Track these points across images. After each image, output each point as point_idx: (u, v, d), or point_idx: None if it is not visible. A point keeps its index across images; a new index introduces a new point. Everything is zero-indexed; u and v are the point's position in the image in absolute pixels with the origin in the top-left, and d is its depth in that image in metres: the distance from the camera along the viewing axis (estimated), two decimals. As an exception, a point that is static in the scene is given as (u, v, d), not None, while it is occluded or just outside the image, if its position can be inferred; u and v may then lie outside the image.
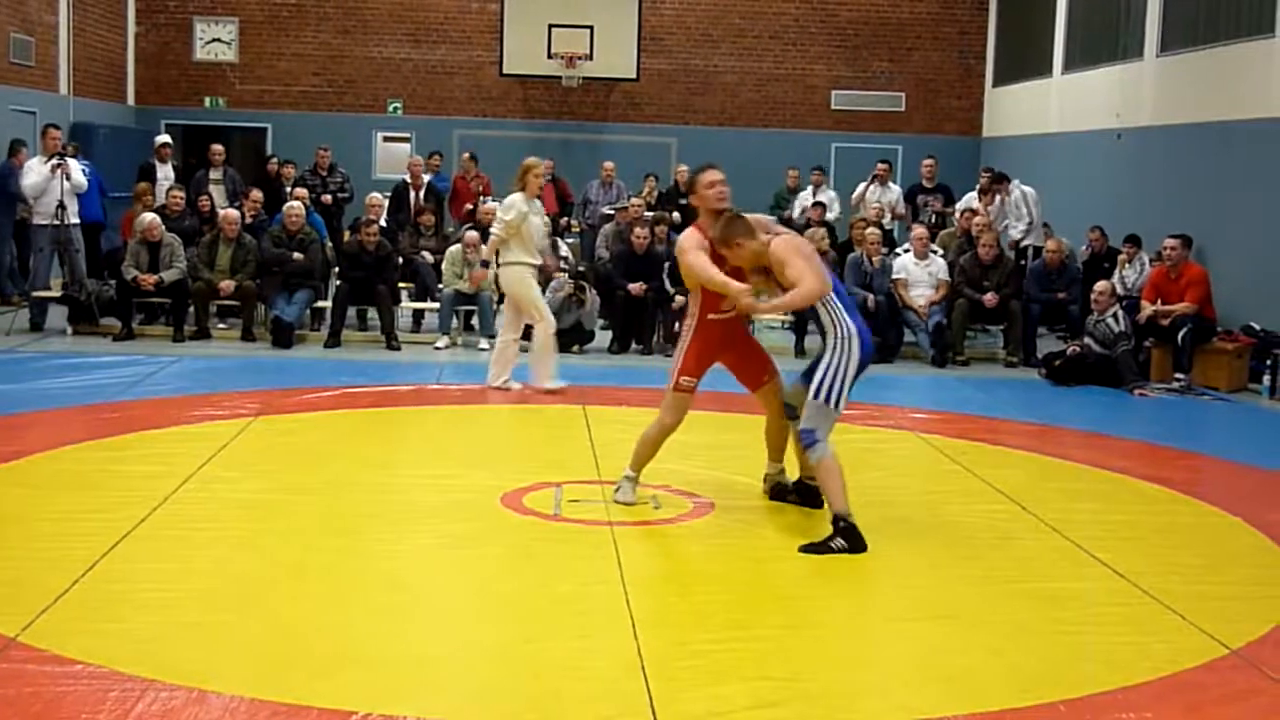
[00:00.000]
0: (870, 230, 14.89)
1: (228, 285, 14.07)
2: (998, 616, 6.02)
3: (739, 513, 7.58)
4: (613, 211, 17.17)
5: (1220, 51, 15.46)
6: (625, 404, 10.86)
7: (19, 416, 9.72)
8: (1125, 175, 17.60)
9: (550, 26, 21.40)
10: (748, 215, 7.47)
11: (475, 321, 14.67)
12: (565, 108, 22.81)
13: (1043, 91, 20.84)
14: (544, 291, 15.46)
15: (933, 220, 17.22)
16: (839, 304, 7.21)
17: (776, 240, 7.30)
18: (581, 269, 15.34)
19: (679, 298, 14.05)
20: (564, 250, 16.68)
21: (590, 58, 21.50)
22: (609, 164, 19.17)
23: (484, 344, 14.10)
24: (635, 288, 14.08)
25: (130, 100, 22.41)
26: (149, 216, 14.23)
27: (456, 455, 8.96)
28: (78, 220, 14.52)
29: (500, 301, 12.71)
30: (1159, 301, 13.34)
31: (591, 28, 21.45)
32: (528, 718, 4.80)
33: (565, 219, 18.95)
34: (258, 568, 6.39)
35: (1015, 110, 22.07)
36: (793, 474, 7.89)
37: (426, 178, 17.48)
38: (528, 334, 11.78)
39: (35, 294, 14.58)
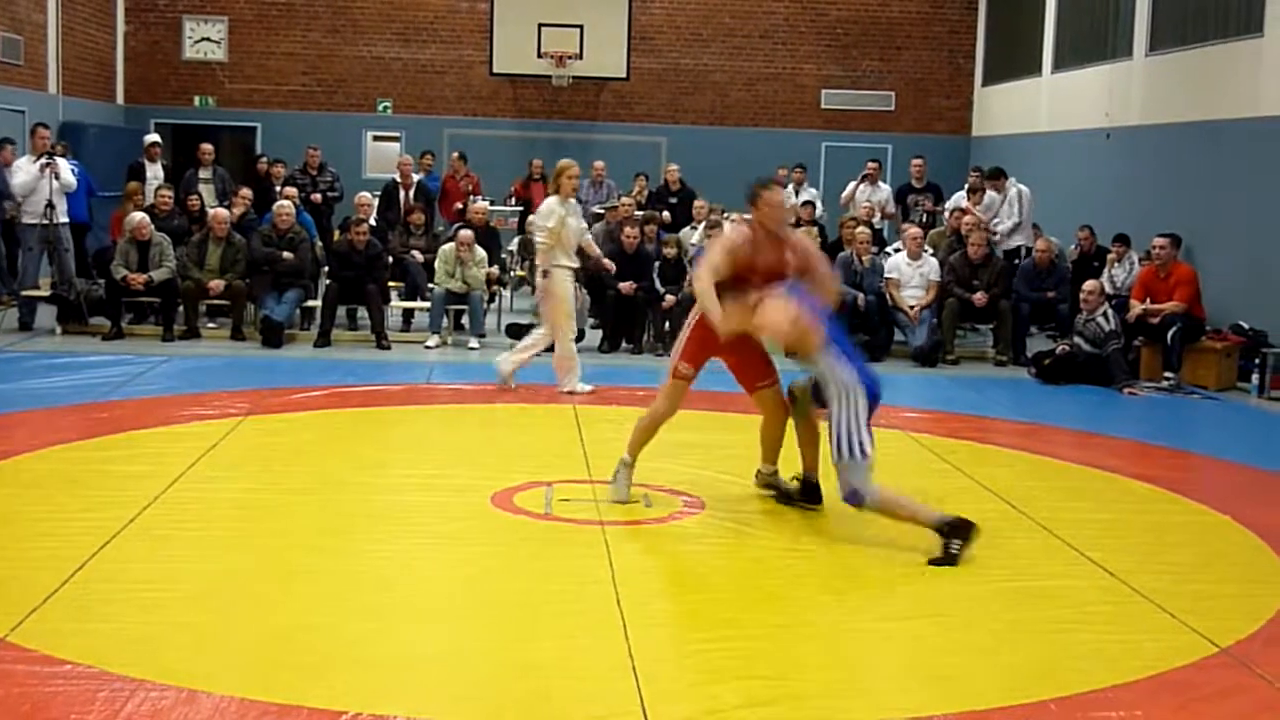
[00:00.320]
0: (860, 229, 14.90)
1: (217, 285, 14.05)
2: (988, 615, 6.02)
3: (730, 512, 7.58)
4: (603, 211, 17.17)
5: (1209, 51, 15.50)
6: (615, 403, 10.85)
7: (7, 416, 9.69)
8: (1114, 174, 17.63)
9: (540, 26, 21.38)
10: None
11: (465, 321, 14.66)
12: (555, 107, 22.81)
13: (1032, 91, 20.88)
14: (534, 290, 15.53)
15: (923, 220, 17.23)
16: (835, 355, 7.08)
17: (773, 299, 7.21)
18: (545, 270, 15.31)
19: (669, 297, 14.06)
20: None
21: (580, 57, 21.50)
22: (599, 163, 19.17)
23: (474, 343, 14.11)
24: (625, 287, 14.07)
25: (119, 99, 22.37)
26: (138, 216, 14.21)
27: (447, 455, 8.95)
28: (67, 219, 14.48)
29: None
30: (1148, 300, 13.37)
31: (581, 27, 21.44)
32: (518, 718, 4.80)
33: (555, 218, 18.91)
34: (248, 567, 6.38)
35: (1005, 110, 22.10)
36: (785, 472, 7.89)
37: (416, 177, 17.47)
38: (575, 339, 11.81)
39: (24, 293, 14.54)
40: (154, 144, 17.26)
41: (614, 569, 6.42)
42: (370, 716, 4.64)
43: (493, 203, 17.75)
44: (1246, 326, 13.68)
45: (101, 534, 6.63)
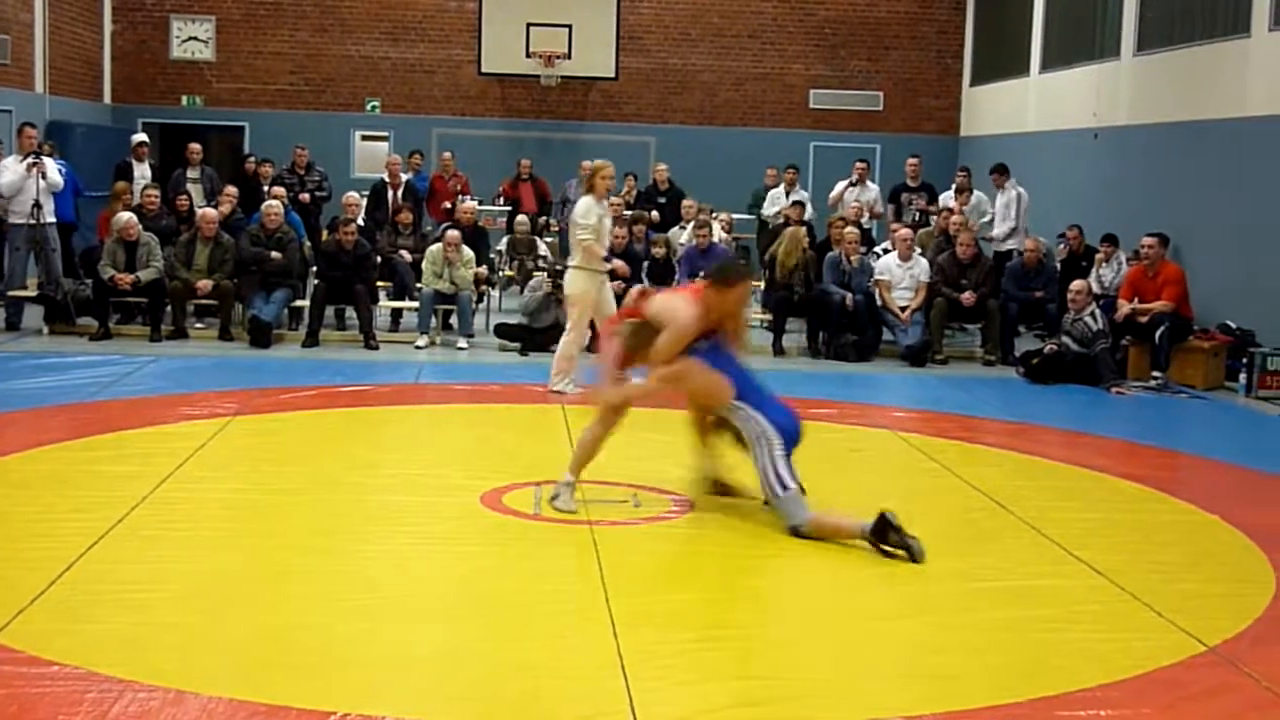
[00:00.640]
0: (848, 229, 14.91)
1: (205, 284, 14.02)
2: (977, 615, 6.03)
3: (718, 512, 7.58)
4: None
5: (1196, 51, 15.53)
6: (604, 403, 10.83)
7: (-5, 416, 9.68)
8: (1102, 174, 17.66)
9: (529, 25, 21.36)
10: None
11: (454, 321, 14.65)
12: (544, 106, 22.79)
13: (1020, 91, 20.90)
14: (522, 290, 15.53)
15: (916, 219, 17.24)
16: (746, 404, 7.25)
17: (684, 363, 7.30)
18: (560, 268, 15.31)
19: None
20: (542, 249, 16.68)
21: (569, 57, 21.48)
22: (587, 163, 19.10)
23: (462, 343, 14.10)
24: (614, 286, 14.04)
25: (107, 99, 22.31)
26: (126, 216, 14.17)
27: (436, 455, 8.95)
28: (54, 219, 14.44)
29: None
30: (1136, 300, 13.39)
31: (570, 27, 21.42)
32: (508, 718, 4.80)
33: (544, 218, 18.94)
34: (236, 568, 6.37)
35: (993, 109, 22.13)
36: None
37: (405, 176, 17.45)
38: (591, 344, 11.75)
39: (11, 293, 14.50)
40: (141, 143, 17.21)
41: (603, 569, 6.42)
42: (359, 717, 4.63)
43: (481, 202, 17.74)
44: (1234, 326, 13.72)
45: (89, 534, 6.61)
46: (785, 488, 7.07)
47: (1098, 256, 15.11)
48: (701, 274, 7.62)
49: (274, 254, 14.27)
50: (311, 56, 22.65)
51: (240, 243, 14.35)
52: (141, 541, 6.65)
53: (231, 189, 15.78)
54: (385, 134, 22.50)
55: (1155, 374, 13.01)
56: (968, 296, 14.24)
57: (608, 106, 22.89)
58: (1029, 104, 20.50)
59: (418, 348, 14.01)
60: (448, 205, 17.26)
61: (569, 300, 11.41)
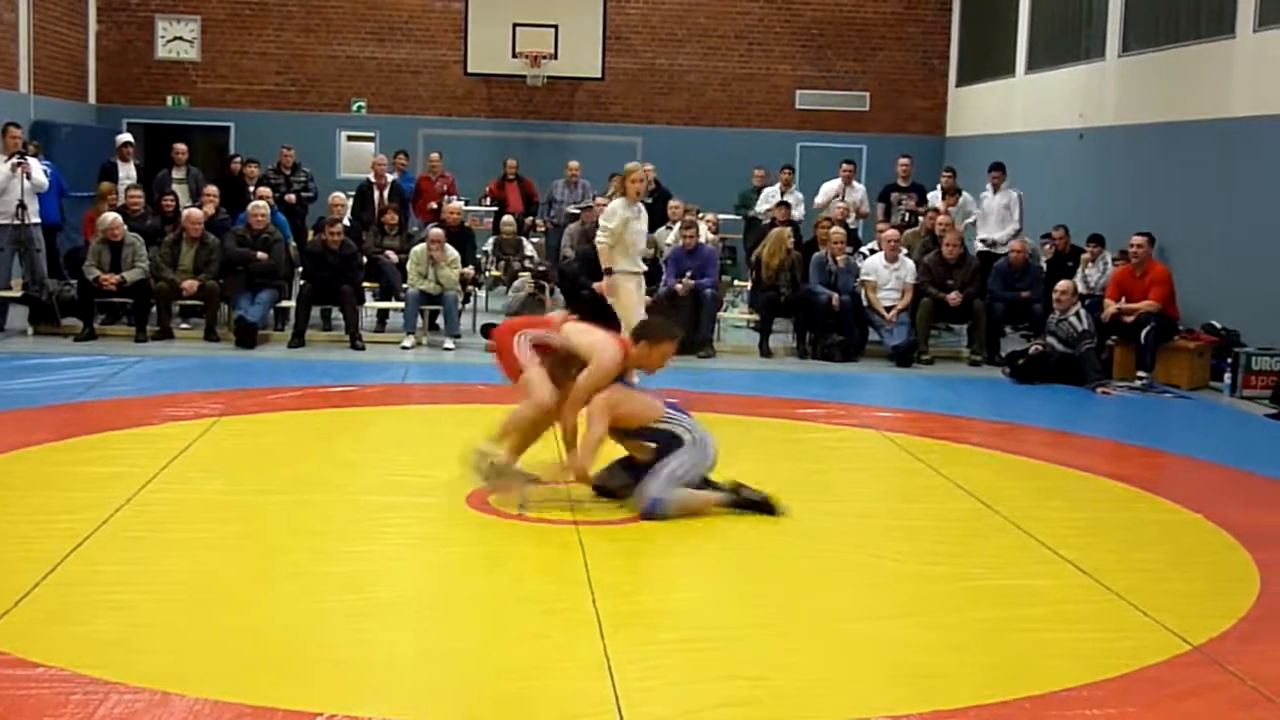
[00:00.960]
0: (835, 230, 14.92)
1: (191, 285, 13.99)
2: (963, 614, 6.04)
3: (704, 514, 7.56)
4: (578, 211, 17.16)
5: (1181, 52, 15.57)
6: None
7: (-21, 417, 9.64)
8: (1088, 174, 17.70)
9: (515, 26, 21.34)
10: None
11: (440, 321, 14.63)
12: (530, 107, 22.77)
13: (1006, 91, 20.94)
14: (506, 290, 15.52)
15: (905, 219, 17.26)
16: (678, 415, 7.61)
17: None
18: (543, 268, 15.33)
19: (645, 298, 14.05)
20: (529, 250, 16.68)
21: (555, 57, 21.46)
22: (574, 163, 19.16)
23: (449, 344, 14.08)
24: (600, 286, 14.05)
25: (92, 99, 22.24)
26: (111, 216, 14.13)
27: (422, 455, 8.92)
28: (39, 220, 14.39)
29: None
30: (1123, 299, 13.42)
31: (556, 27, 21.40)
32: (494, 718, 4.79)
33: (530, 218, 18.94)
34: (222, 569, 6.36)
35: (979, 110, 22.17)
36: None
37: (391, 177, 17.43)
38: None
39: (-5, 294, 14.47)
40: (126, 144, 17.17)
41: (589, 569, 6.42)
42: (345, 717, 4.62)
43: (467, 203, 17.74)
44: (1219, 326, 13.76)
45: (74, 536, 6.60)
46: (676, 478, 7.33)
47: (1084, 257, 15.15)
48: (632, 334, 7.88)
49: (260, 254, 14.25)
50: (297, 56, 22.61)
51: (226, 243, 14.32)
52: (127, 543, 6.64)
53: (212, 189, 15.73)
54: (371, 134, 22.47)
55: (1140, 374, 13.05)
56: (953, 297, 14.26)
57: (594, 107, 22.89)
58: (1015, 105, 20.54)
59: (404, 348, 14.00)
60: (434, 206, 17.24)
61: (617, 308, 11.36)
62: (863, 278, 14.55)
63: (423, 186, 18.17)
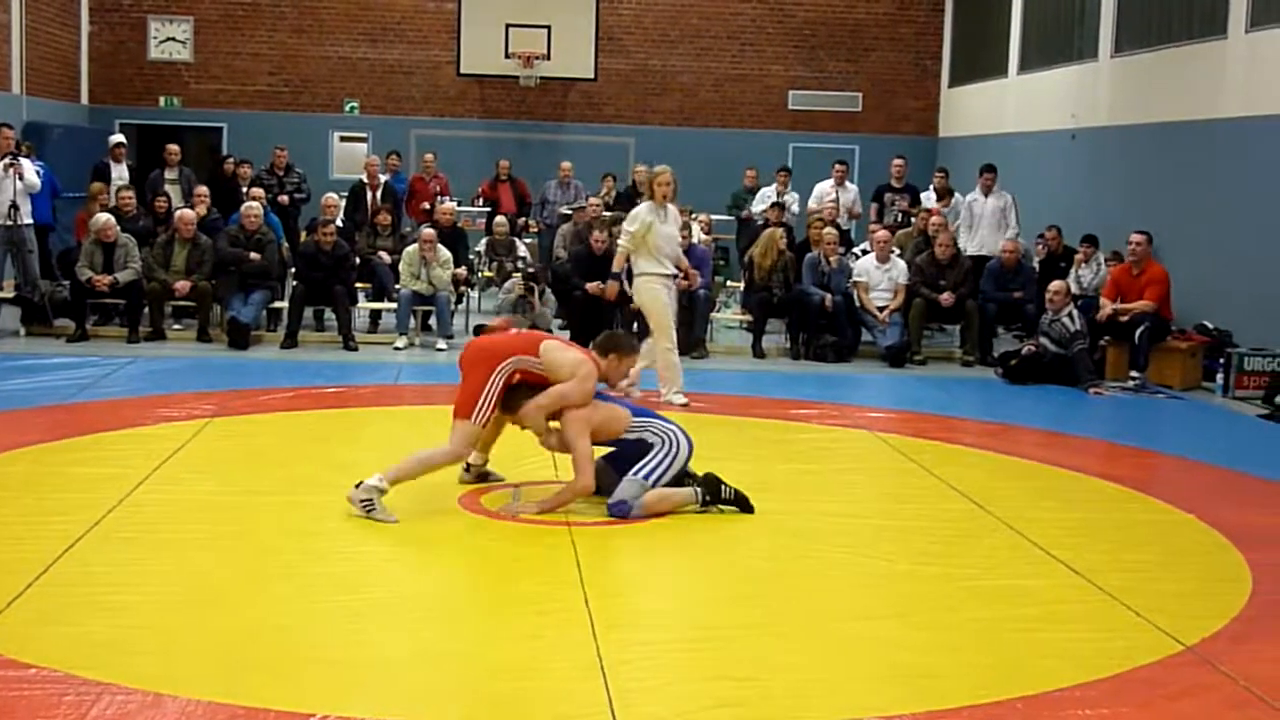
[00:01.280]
0: (827, 230, 14.93)
1: (183, 285, 13.97)
2: (956, 615, 6.04)
3: (697, 514, 7.57)
4: (571, 212, 17.16)
5: (1173, 53, 15.60)
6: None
7: (-29, 418, 9.63)
8: (1080, 175, 17.73)
9: (508, 26, 21.34)
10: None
11: (433, 322, 14.62)
12: (523, 107, 22.78)
13: (998, 92, 20.97)
14: (499, 291, 15.50)
15: (898, 219, 17.26)
16: (648, 419, 7.74)
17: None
18: (533, 270, 15.32)
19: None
20: (521, 250, 16.67)
21: (548, 58, 21.47)
22: (566, 164, 19.17)
23: (441, 344, 14.08)
24: (593, 287, 14.07)
25: (84, 99, 22.22)
26: (104, 217, 14.11)
27: (415, 456, 8.91)
28: (31, 221, 14.37)
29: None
30: (1119, 299, 13.42)
31: (549, 28, 21.41)
32: (487, 718, 4.79)
33: (523, 219, 18.93)
34: (215, 570, 6.35)
35: (971, 111, 22.19)
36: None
37: (383, 178, 17.42)
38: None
39: (-13, 295, 14.47)
40: (119, 144, 17.16)
41: (581, 570, 6.42)
42: (338, 718, 4.63)
43: (460, 203, 17.73)
44: (1211, 326, 13.78)
45: (67, 537, 6.59)
46: (647, 479, 7.41)
47: (1077, 257, 15.15)
48: (596, 348, 7.94)
49: (252, 255, 14.23)
50: (290, 57, 22.60)
51: (219, 243, 14.31)
52: (119, 544, 6.63)
53: (203, 190, 15.70)
54: (364, 135, 22.46)
55: (1133, 374, 13.06)
56: (946, 297, 14.27)
57: (587, 107, 22.89)
58: (1007, 105, 20.56)
59: (396, 349, 13.99)
60: (426, 206, 17.23)
61: (645, 311, 11.34)
62: (854, 279, 14.55)
63: (416, 187, 18.15)
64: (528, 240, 18.18)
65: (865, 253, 15.37)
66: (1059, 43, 18.88)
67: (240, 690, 4.83)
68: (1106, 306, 13.40)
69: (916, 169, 19.21)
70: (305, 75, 22.62)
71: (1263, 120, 13.62)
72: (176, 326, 14.56)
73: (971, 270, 14.76)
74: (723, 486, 7.58)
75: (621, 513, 7.33)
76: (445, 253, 14.41)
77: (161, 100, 22.51)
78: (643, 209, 11.16)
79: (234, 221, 14.82)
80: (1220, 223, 14.27)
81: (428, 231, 14.45)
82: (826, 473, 8.95)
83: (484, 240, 17.17)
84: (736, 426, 10.40)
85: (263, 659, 5.20)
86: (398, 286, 14.53)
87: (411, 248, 14.46)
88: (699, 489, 7.57)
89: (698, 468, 7.77)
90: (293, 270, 14.93)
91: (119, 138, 17.68)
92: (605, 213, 15.98)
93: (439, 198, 17.33)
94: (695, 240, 14.90)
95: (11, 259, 14.37)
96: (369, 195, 16.92)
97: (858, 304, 14.42)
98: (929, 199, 17.36)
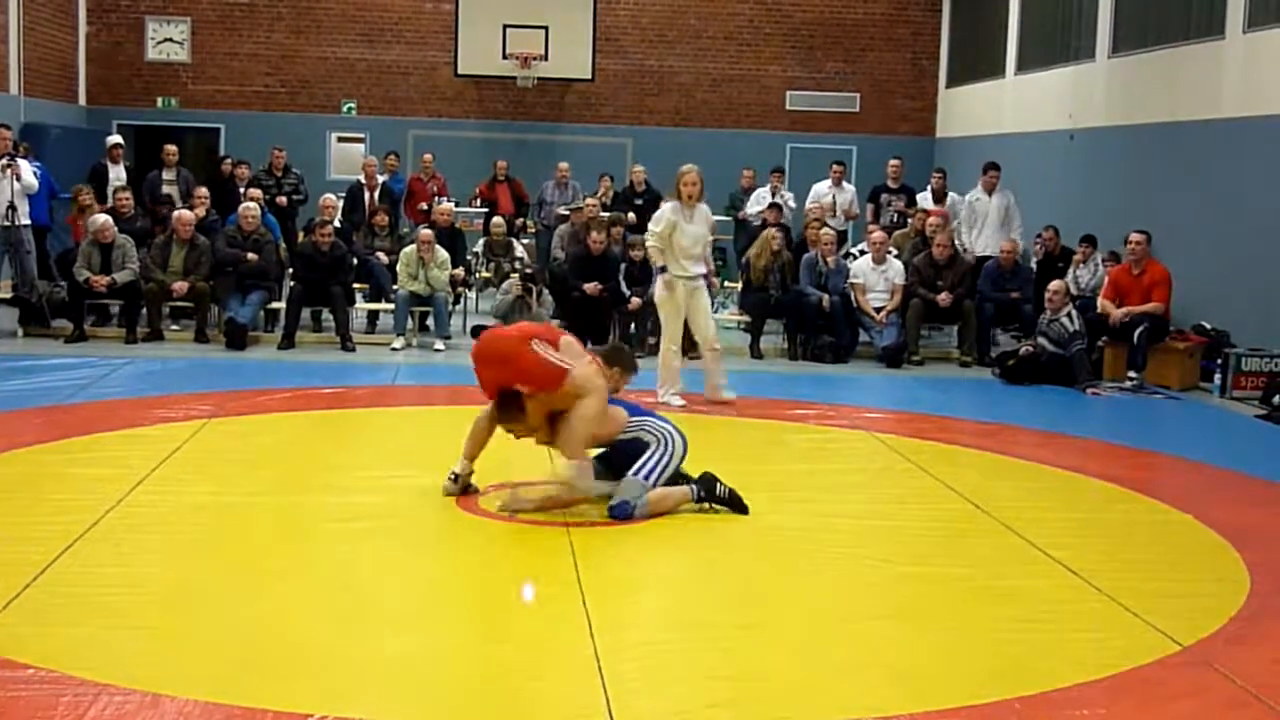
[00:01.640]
0: (824, 230, 14.93)
1: (181, 286, 13.97)
2: (953, 615, 6.05)
3: (694, 514, 7.58)
4: (568, 212, 17.16)
5: (1171, 53, 15.60)
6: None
7: (-31, 419, 9.62)
8: (1078, 175, 17.73)
9: (505, 27, 21.33)
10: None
11: (431, 323, 14.62)
12: (520, 108, 22.77)
13: (996, 92, 20.97)
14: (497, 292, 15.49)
15: (894, 220, 17.26)
16: (643, 418, 7.83)
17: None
18: (530, 271, 15.32)
19: (634, 299, 14.07)
20: (519, 251, 16.67)
21: (545, 58, 21.46)
22: (564, 164, 19.17)
23: (439, 345, 14.08)
24: (591, 288, 14.08)
25: (82, 100, 22.20)
26: (101, 218, 14.11)
27: (412, 456, 8.90)
28: (28, 221, 14.37)
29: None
30: (1119, 300, 13.40)
31: (546, 28, 21.40)
32: (484, 718, 4.79)
33: (520, 220, 18.93)
34: (212, 570, 6.35)
35: (969, 111, 22.19)
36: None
37: (381, 178, 17.42)
38: (691, 345, 11.65)
39: (-15, 296, 14.45)
40: (116, 145, 17.15)
41: (579, 570, 6.42)
42: (336, 718, 4.62)
43: (457, 204, 17.73)
44: (1209, 327, 13.78)
45: (64, 537, 6.59)
46: (647, 479, 7.47)
47: (1075, 258, 15.15)
48: (603, 357, 8.03)
49: (250, 256, 14.23)
50: (287, 58, 22.58)
51: (217, 244, 14.31)
52: (117, 544, 6.62)
53: (202, 191, 15.71)
54: (361, 135, 22.45)
55: (1131, 374, 13.06)
56: (943, 297, 14.27)
57: (584, 108, 22.89)
58: (1005, 105, 20.56)
59: (394, 349, 13.98)
60: (424, 207, 17.24)
61: (658, 306, 11.42)
62: (851, 279, 14.55)
63: (414, 187, 18.15)
64: (525, 241, 18.18)
65: (862, 254, 15.37)
66: (1057, 43, 18.88)
67: (238, 690, 4.82)
68: (1115, 312, 13.33)
69: (914, 169, 19.21)
70: (303, 76, 22.62)
71: (1260, 120, 13.63)
72: (174, 327, 14.56)
73: (969, 270, 14.75)
74: (718, 485, 7.60)
75: (624, 514, 7.33)
76: (443, 253, 14.41)
77: (159, 101, 22.49)
78: (666, 209, 11.18)
79: (231, 222, 14.82)
80: (1218, 223, 14.27)
81: (425, 232, 14.45)
82: (824, 473, 8.95)
83: (481, 241, 17.16)
84: (734, 427, 10.40)
85: (260, 659, 5.20)
86: (395, 287, 14.52)
87: (409, 248, 14.46)
88: (695, 486, 7.60)
89: (695, 469, 7.78)
90: (290, 271, 14.93)
91: (116, 138, 17.67)
92: (603, 213, 15.98)
93: (436, 198, 17.33)
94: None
95: (9, 260, 14.38)
96: (366, 196, 16.93)
97: (854, 304, 14.42)
98: (925, 199, 17.35)
